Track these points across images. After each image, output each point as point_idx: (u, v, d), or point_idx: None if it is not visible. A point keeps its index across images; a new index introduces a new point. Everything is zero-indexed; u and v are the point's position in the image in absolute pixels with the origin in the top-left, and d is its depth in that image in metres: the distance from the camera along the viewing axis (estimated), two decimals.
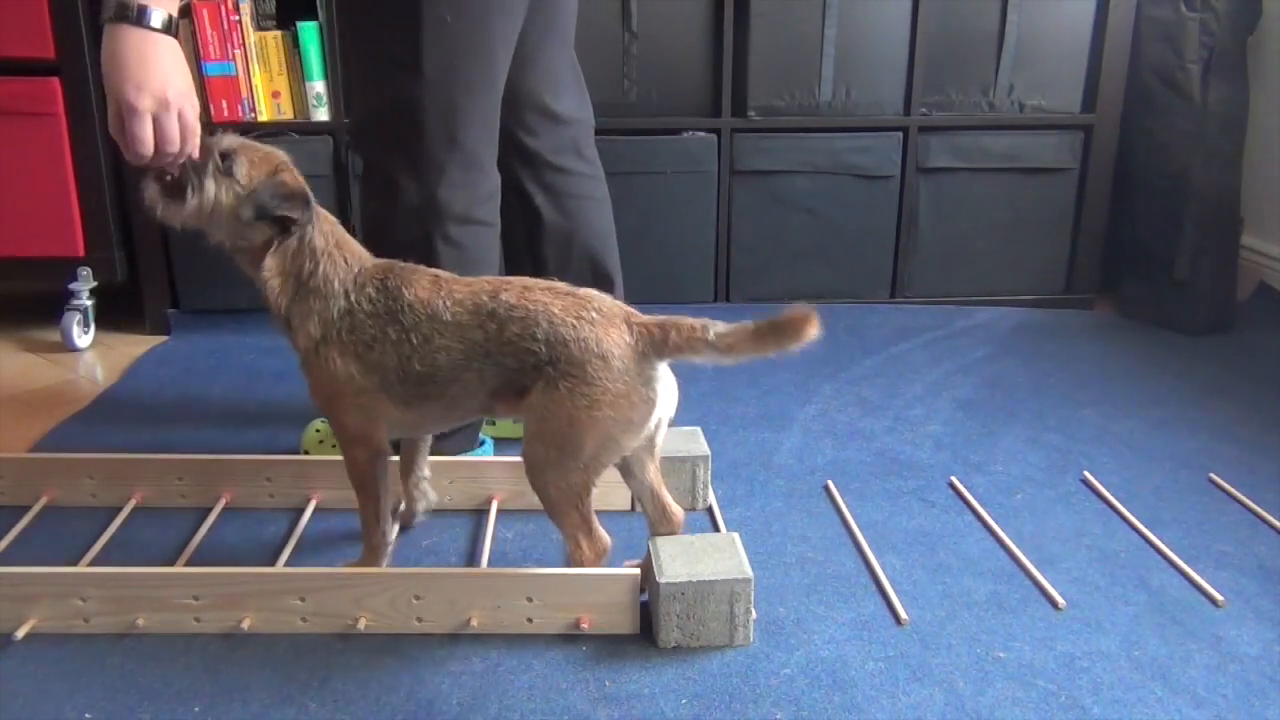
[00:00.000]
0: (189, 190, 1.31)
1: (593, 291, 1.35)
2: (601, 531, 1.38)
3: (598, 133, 2.47)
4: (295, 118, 2.46)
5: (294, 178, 1.36)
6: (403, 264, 1.39)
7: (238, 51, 2.39)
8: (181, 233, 1.41)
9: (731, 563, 1.36)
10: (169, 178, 1.32)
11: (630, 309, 1.35)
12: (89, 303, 2.46)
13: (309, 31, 2.39)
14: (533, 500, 1.67)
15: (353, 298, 1.35)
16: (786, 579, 1.50)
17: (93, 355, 2.43)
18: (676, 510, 1.44)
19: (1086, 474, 1.82)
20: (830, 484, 1.77)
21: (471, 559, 1.55)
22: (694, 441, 1.71)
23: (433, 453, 1.61)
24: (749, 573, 1.34)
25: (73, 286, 2.44)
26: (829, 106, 2.55)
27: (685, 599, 1.33)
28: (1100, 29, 2.56)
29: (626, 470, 1.42)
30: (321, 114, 2.45)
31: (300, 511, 1.64)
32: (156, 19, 1.25)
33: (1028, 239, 2.68)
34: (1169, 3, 2.50)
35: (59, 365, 2.36)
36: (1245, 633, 1.39)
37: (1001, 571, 1.53)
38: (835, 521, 1.67)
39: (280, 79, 2.43)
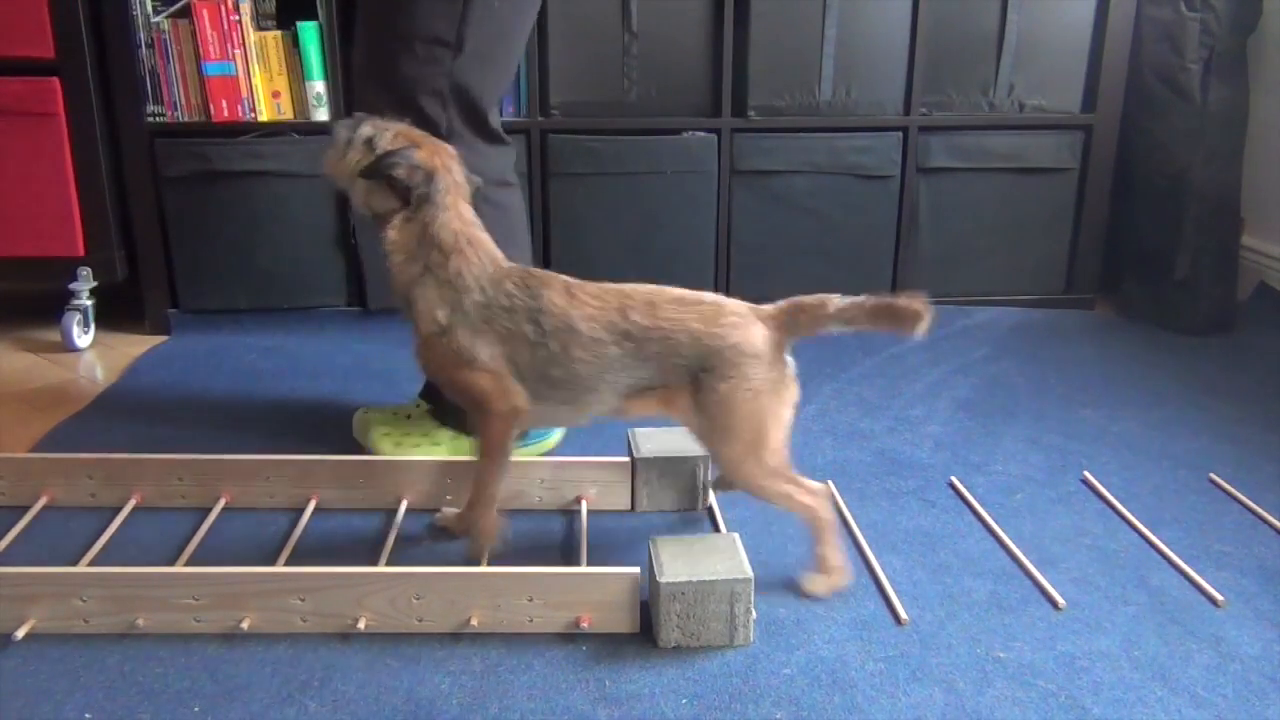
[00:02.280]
0: (334, 151, 1.43)
1: (708, 294, 1.42)
2: (811, 483, 1.45)
3: (597, 132, 2.48)
4: (295, 118, 2.46)
5: (429, 156, 1.41)
6: (534, 269, 1.45)
7: (238, 51, 2.39)
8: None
9: (731, 563, 1.36)
10: (335, 139, 1.43)
11: (749, 303, 1.43)
12: (89, 303, 2.46)
13: (309, 31, 2.39)
14: (533, 500, 1.68)
15: (489, 292, 1.41)
16: (786, 579, 1.50)
17: (93, 355, 2.43)
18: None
19: (1086, 474, 1.82)
20: (830, 484, 1.77)
21: (471, 559, 1.54)
22: (694, 442, 1.71)
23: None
24: (749, 573, 1.34)
25: (73, 286, 2.44)
26: (829, 106, 2.55)
27: (685, 599, 1.33)
28: (1100, 29, 2.57)
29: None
30: (321, 114, 2.45)
31: (300, 511, 1.64)
32: None
33: (1028, 239, 2.68)
34: (1169, 3, 2.50)
35: (59, 365, 2.36)
36: (1245, 633, 1.39)
37: (1001, 571, 1.53)
38: (835, 521, 1.67)
39: (280, 79, 2.43)
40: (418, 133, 1.44)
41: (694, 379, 1.39)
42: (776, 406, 1.40)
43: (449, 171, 1.43)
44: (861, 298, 1.39)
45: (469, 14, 1.55)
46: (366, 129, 1.42)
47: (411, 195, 1.39)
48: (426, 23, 1.56)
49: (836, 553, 1.46)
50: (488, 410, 1.43)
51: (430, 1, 1.55)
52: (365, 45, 1.60)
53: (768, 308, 1.42)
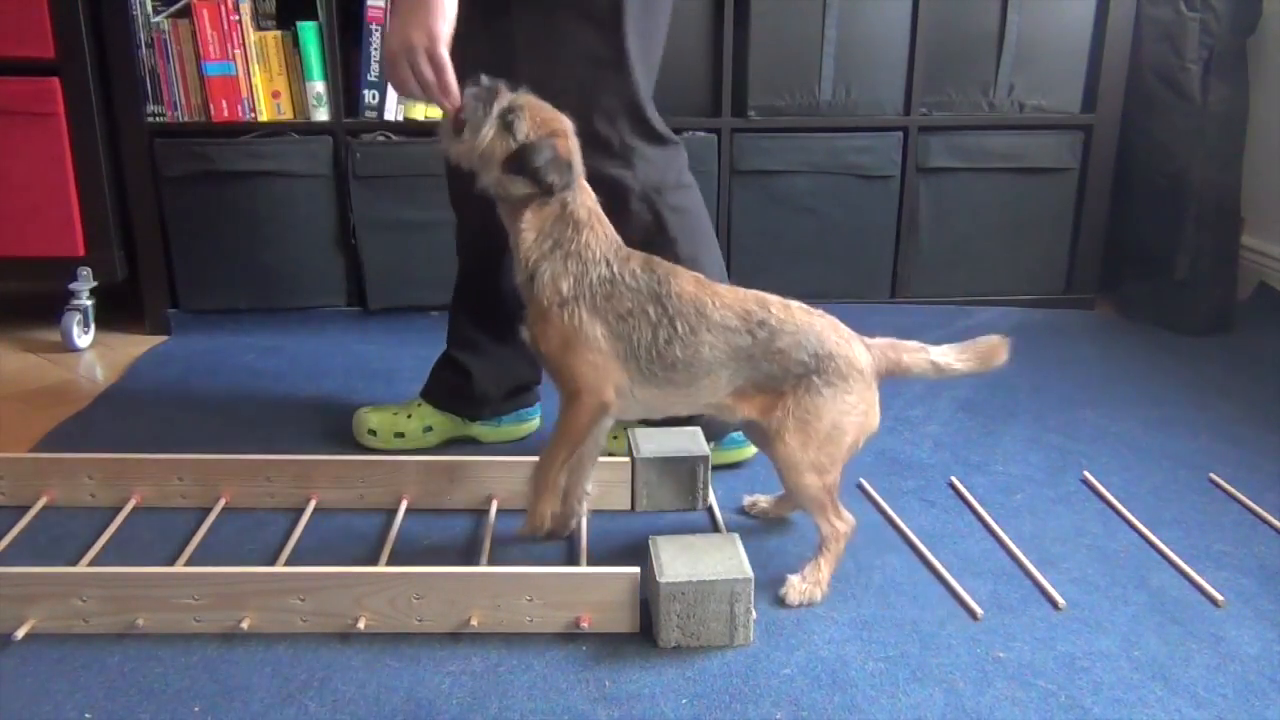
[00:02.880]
0: (467, 131, 1.40)
1: (824, 313, 1.47)
2: (846, 512, 1.48)
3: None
4: (295, 118, 2.46)
5: (567, 146, 1.42)
6: (657, 259, 1.46)
7: (238, 51, 2.39)
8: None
9: (731, 563, 1.36)
10: (461, 115, 1.41)
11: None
12: (89, 303, 2.46)
13: (309, 31, 2.39)
14: None
15: (615, 268, 1.42)
16: (786, 579, 1.50)
17: (93, 355, 2.43)
18: None
19: (1086, 474, 1.82)
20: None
21: (471, 559, 1.55)
22: (694, 442, 1.71)
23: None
24: (749, 573, 1.34)
25: (73, 286, 2.44)
26: (829, 106, 2.55)
27: (685, 599, 1.33)
28: (1100, 29, 2.56)
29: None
30: (321, 114, 2.45)
31: (300, 511, 1.64)
32: None
33: (1028, 239, 2.68)
34: (1169, 3, 2.50)
35: (59, 365, 2.36)
36: (1245, 633, 1.39)
37: (1001, 571, 1.53)
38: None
39: (280, 79, 2.43)
40: (546, 109, 1.43)
41: (802, 383, 1.42)
42: (861, 428, 1.45)
43: (578, 151, 1.44)
44: (953, 346, 1.49)
45: (626, 29, 1.55)
46: (500, 105, 1.40)
47: (554, 188, 1.40)
48: (589, 46, 1.56)
49: (829, 572, 1.47)
50: (580, 398, 1.44)
51: (590, 26, 1.56)
52: (531, 76, 1.58)
53: (869, 340, 1.48)
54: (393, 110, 2.44)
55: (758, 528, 1.64)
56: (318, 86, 2.43)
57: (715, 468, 1.77)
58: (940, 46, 2.54)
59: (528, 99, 1.41)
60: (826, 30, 2.49)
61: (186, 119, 2.43)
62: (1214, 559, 1.57)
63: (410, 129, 2.46)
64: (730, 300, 1.43)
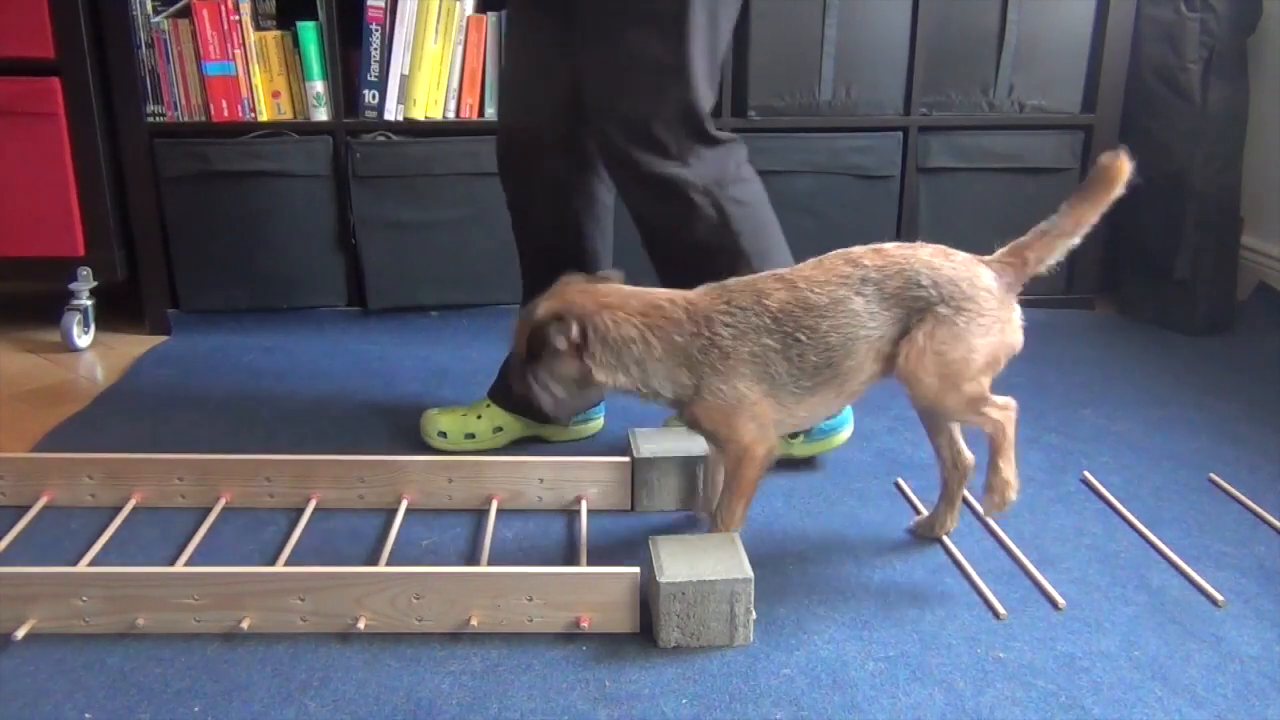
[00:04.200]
0: (545, 395, 1.44)
1: (924, 243, 1.45)
2: (1000, 400, 1.46)
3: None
4: (295, 118, 2.46)
5: (528, 325, 1.41)
6: (731, 281, 1.44)
7: (238, 51, 2.39)
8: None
9: (731, 563, 1.36)
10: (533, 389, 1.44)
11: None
12: (89, 303, 2.46)
13: (309, 31, 2.39)
14: (533, 500, 1.68)
15: (706, 333, 1.40)
16: (786, 579, 1.51)
17: (93, 355, 2.43)
18: (968, 455, 1.56)
19: (1086, 474, 1.82)
20: (831, 484, 1.77)
21: (471, 559, 1.55)
22: (694, 442, 1.71)
23: None
24: (749, 573, 1.34)
25: (73, 286, 2.44)
26: (829, 106, 2.55)
27: (685, 599, 1.33)
28: (1100, 29, 2.56)
29: (932, 419, 1.54)
30: (321, 114, 2.45)
31: (300, 511, 1.64)
32: None
33: None
34: (1169, 3, 2.50)
35: (59, 365, 2.36)
36: (1245, 633, 1.39)
37: (1001, 571, 1.53)
38: (836, 521, 1.67)
39: (280, 79, 2.43)
40: (556, 300, 1.43)
41: (931, 314, 1.39)
42: (1001, 346, 1.41)
43: (586, 293, 1.43)
44: (1071, 199, 1.48)
45: (689, 39, 1.55)
46: (518, 360, 1.42)
47: (582, 353, 1.40)
48: (652, 53, 1.56)
49: (1011, 467, 1.46)
50: (749, 452, 1.44)
51: (652, 32, 1.55)
52: (594, 83, 1.59)
53: (990, 257, 1.45)
54: (393, 110, 2.44)
55: (758, 528, 1.64)
56: (318, 86, 2.43)
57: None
58: (940, 46, 2.54)
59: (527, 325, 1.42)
60: (826, 30, 2.49)
61: (186, 119, 2.43)
62: (1214, 559, 1.57)
63: (410, 129, 2.46)
64: (821, 277, 1.41)
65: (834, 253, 1.44)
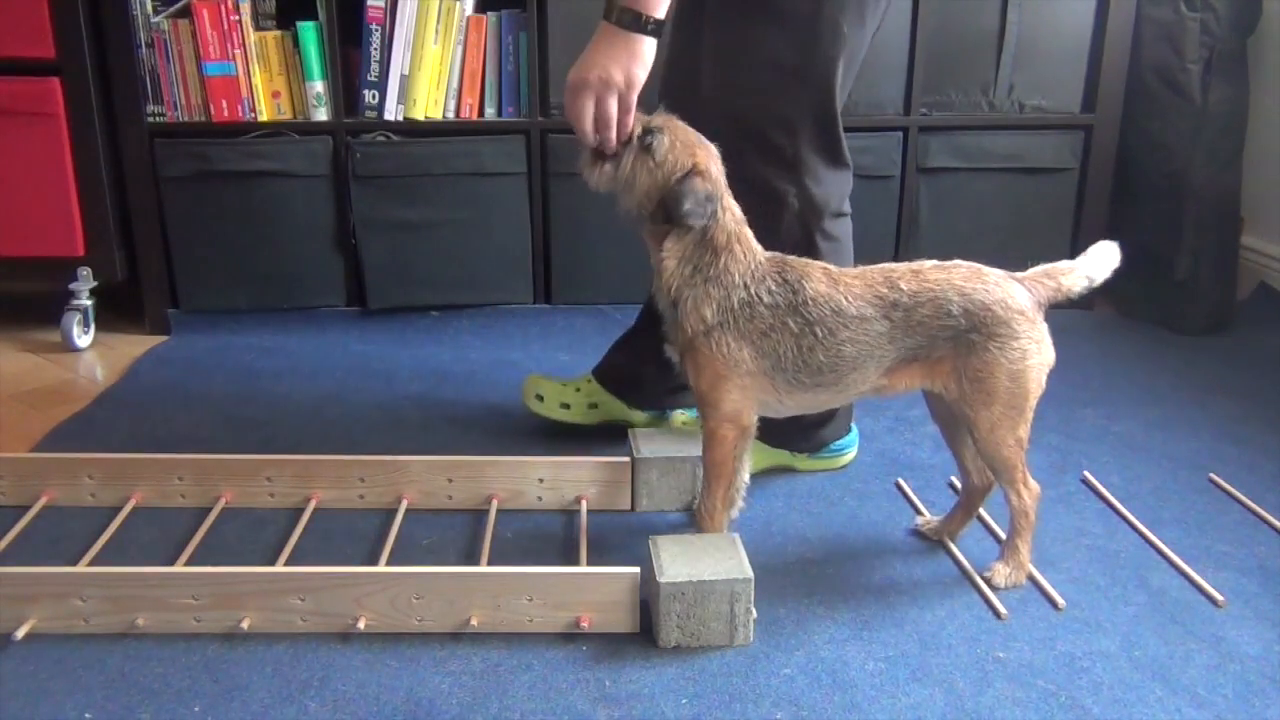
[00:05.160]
0: (607, 159, 1.41)
1: (962, 261, 1.45)
2: (1031, 479, 1.48)
3: None
4: (295, 117, 2.46)
5: (704, 181, 1.40)
6: (792, 257, 1.45)
7: (238, 51, 2.39)
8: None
9: (731, 563, 1.36)
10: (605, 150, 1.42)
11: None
12: (89, 303, 2.46)
13: (309, 31, 2.39)
14: (532, 500, 1.68)
15: (752, 289, 1.41)
16: (786, 579, 1.51)
17: (93, 355, 2.43)
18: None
19: (1086, 474, 1.82)
20: (831, 484, 1.77)
21: (471, 559, 1.55)
22: (694, 442, 1.71)
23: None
24: (749, 573, 1.34)
25: (73, 286, 2.44)
26: None
27: (685, 599, 1.33)
28: (1100, 29, 2.56)
29: (954, 429, 1.55)
30: (321, 114, 2.45)
31: (300, 511, 1.64)
32: (651, 25, 1.38)
33: (1028, 239, 2.67)
34: (1169, 3, 2.50)
35: (59, 365, 2.36)
36: (1245, 633, 1.39)
37: None
38: (835, 521, 1.67)
39: (280, 79, 2.43)
40: (689, 132, 1.42)
41: (961, 342, 1.40)
42: (1041, 368, 1.43)
43: (720, 178, 1.42)
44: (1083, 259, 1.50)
45: (819, 42, 1.53)
46: (638, 129, 1.40)
47: (695, 228, 1.40)
48: (778, 51, 1.54)
49: (1028, 549, 1.49)
50: (719, 431, 1.46)
51: (780, 32, 1.53)
52: (711, 75, 1.57)
53: (1022, 275, 1.46)
54: (393, 110, 2.44)
55: (758, 528, 1.64)
56: (318, 86, 2.43)
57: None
58: (940, 46, 2.54)
59: (668, 119, 1.41)
60: None
61: (186, 119, 2.43)
62: (1214, 559, 1.57)
63: (410, 129, 2.46)
64: (860, 289, 1.41)
65: (879, 267, 1.45)
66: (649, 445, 1.70)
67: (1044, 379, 1.44)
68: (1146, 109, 2.58)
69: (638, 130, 1.39)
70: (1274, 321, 2.55)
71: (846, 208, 1.70)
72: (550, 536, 1.62)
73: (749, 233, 1.44)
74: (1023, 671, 1.31)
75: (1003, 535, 1.62)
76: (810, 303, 1.40)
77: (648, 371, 1.87)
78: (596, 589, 1.37)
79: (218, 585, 1.36)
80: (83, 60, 2.32)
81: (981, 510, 1.70)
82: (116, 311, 2.57)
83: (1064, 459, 1.89)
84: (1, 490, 1.67)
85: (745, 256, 1.42)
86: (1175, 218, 2.54)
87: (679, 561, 1.36)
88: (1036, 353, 1.42)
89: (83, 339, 2.45)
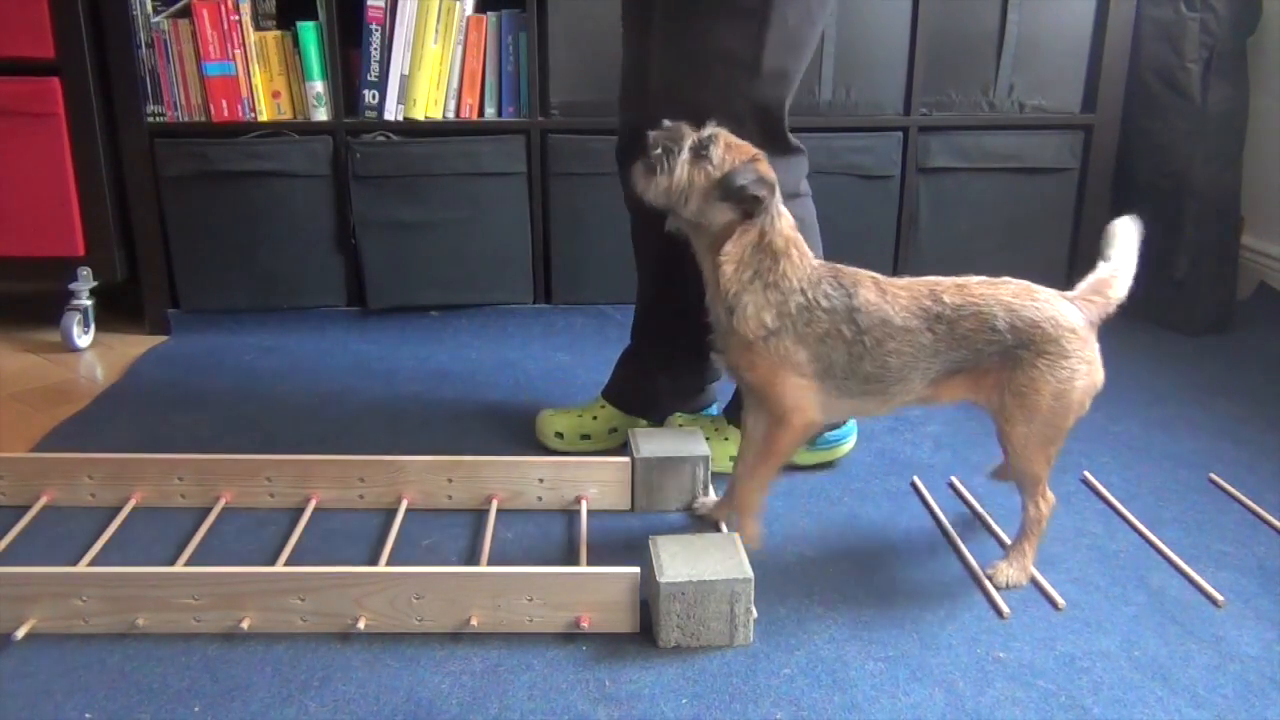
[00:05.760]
0: (659, 170, 1.40)
1: (1011, 279, 1.47)
2: (1049, 491, 1.49)
3: (599, 132, 2.48)
4: (295, 117, 2.46)
5: (767, 167, 1.42)
6: (842, 265, 1.47)
7: (238, 51, 2.39)
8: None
9: (731, 563, 1.36)
10: (651, 156, 1.41)
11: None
12: (89, 303, 2.46)
13: (309, 31, 2.39)
14: (532, 500, 1.68)
15: (809, 294, 1.42)
16: (786, 579, 1.50)
17: (93, 355, 2.43)
18: None
19: (1086, 474, 1.82)
20: (831, 484, 1.77)
21: (471, 559, 1.55)
22: (694, 442, 1.71)
23: None
24: (749, 573, 1.34)
25: (73, 286, 2.44)
26: (829, 106, 2.55)
27: (685, 599, 1.33)
28: (1100, 29, 2.56)
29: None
30: (321, 114, 2.45)
31: (300, 511, 1.64)
32: None
33: (1028, 239, 2.68)
34: (1169, 3, 2.50)
35: (59, 365, 2.36)
36: (1245, 633, 1.39)
37: None
38: (835, 521, 1.67)
39: (280, 79, 2.43)
40: (736, 139, 1.43)
41: (1009, 357, 1.41)
42: (1086, 390, 1.42)
43: (775, 179, 1.44)
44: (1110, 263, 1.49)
45: (766, 34, 1.53)
46: (690, 141, 1.40)
47: (757, 210, 1.41)
48: (725, 45, 1.54)
49: (1033, 553, 1.50)
50: (789, 423, 1.46)
51: (728, 24, 1.54)
52: (661, 67, 1.58)
53: (1072, 293, 1.46)
54: (392, 110, 2.44)
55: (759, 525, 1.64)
56: (318, 86, 2.43)
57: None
58: (940, 46, 2.54)
59: (718, 130, 1.42)
60: (826, 30, 2.49)
61: (186, 119, 2.43)
62: (1214, 559, 1.57)
63: (410, 129, 2.46)
64: (906, 300, 1.43)
65: (925, 280, 1.47)
66: (649, 445, 1.70)
67: (1088, 402, 1.43)
68: (1146, 109, 2.58)
69: (690, 142, 1.40)
70: (1274, 321, 2.55)
71: (804, 188, 1.71)
72: (550, 536, 1.62)
73: (802, 239, 1.45)
74: (1023, 671, 1.31)
75: (1006, 538, 1.62)
76: (861, 310, 1.42)
77: (661, 384, 1.87)
78: (596, 589, 1.37)
79: (218, 585, 1.36)
80: (83, 60, 2.32)
81: (986, 514, 1.70)
82: (116, 311, 2.57)
83: (1064, 459, 1.87)
84: (1, 490, 1.67)
85: (801, 261, 1.43)
86: (1175, 218, 2.54)
87: (679, 561, 1.36)
88: (1085, 374, 1.41)
89: (83, 339, 2.45)
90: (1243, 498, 1.74)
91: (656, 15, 1.60)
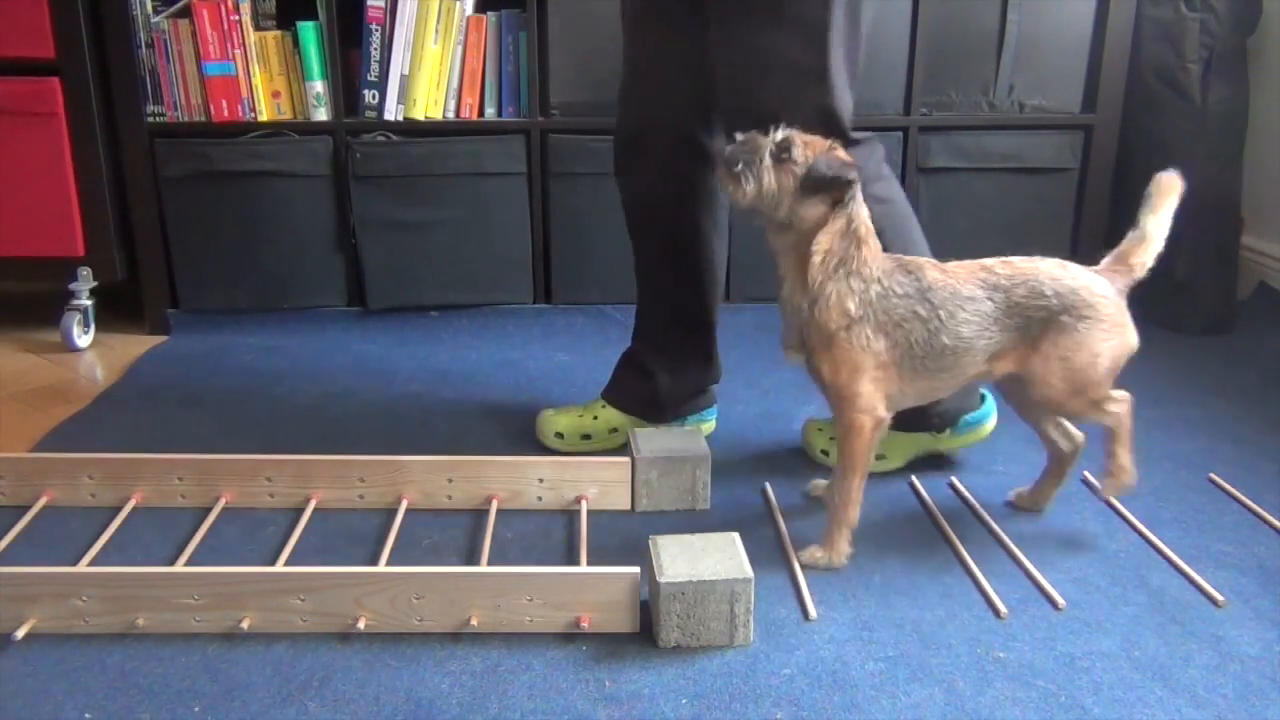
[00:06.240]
0: (744, 180, 1.43)
1: (1039, 257, 1.55)
2: (1118, 394, 1.57)
3: (597, 132, 2.48)
4: (295, 118, 2.46)
5: (844, 153, 1.46)
6: (901, 255, 1.53)
7: (238, 51, 2.39)
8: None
9: (731, 563, 1.36)
10: (733, 170, 1.44)
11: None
12: (89, 303, 2.46)
13: (309, 31, 2.39)
14: (532, 500, 1.68)
15: (886, 283, 1.47)
16: (786, 579, 1.50)
17: (93, 355, 2.43)
18: (1078, 434, 1.66)
19: (1086, 474, 1.82)
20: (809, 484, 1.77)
21: (471, 559, 1.55)
22: (694, 441, 1.71)
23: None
24: (749, 573, 1.34)
25: (73, 286, 2.44)
26: None
27: (685, 599, 1.33)
28: (1100, 29, 2.56)
29: (1032, 408, 1.63)
30: (321, 114, 2.45)
31: (300, 511, 1.64)
32: None
33: (1028, 239, 2.66)
34: (1169, 3, 2.50)
35: (59, 365, 2.36)
36: (1245, 633, 1.39)
37: (1002, 571, 1.53)
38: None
39: (280, 79, 2.43)
40: (810, 136, 1.45)
41: (1053, 324, 1.49)
42: (1121, 348, 1.52)
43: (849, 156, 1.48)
44: (1144, 220, 1.63)
45: (830, 39, 1.55)
46: (769, 147, 1.42)
47: (847, 195, 1.44)
48: (789, 53, 1.56)
49: (1129, 454, 1.57)
50: (859, 428, 1.49)
51: (793, 36, 1.55)
52: (725, 78, 1.59)
53: (1098, 266, 1.56)
54: (392, 110, 2.44)
55: (758, 527, 1.64)
56: (318, 86, 2.43)
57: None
58: (940, 46, 2.54)
59: (791, 131, 1.43)
60: None
61: (186, 119, 2.43)
62: (1214, 559, 1.56)
63: (410, 129, 2.46)
64: (965, 275, 1.50)
65: (967, 261, 1.53)
66: (649, 445, 1.70)
67: (1123, 360, 1.53)
68: (1146, 109, 2.58)
69: (770, 148, 1.42)
70: (1274, 321, 2.55)
71: (885, 170, 1.73)
72: (550, 536, 1.62)
73: (875, 233, 1.50)
74: (1023, 671, 1.31)
75: (1006, 538, 1.62)
76: (932, 288, 1.48)
77: (661, 385, 1.87)
78: (596, 589, 1.37)
79: (218, 585, 1.36)
80: (83, 60, 2.32)
81: (986, 514, 1.70)
82: (116, 311, 2.57)
83: None
84: (1, 490, 1.67)
85: (877, 250, 1.48)
86: (1175, 218, 2.53)
87: (679, 561, 1.36)
88: (1120, 335, 1.52)
89: (83, 339, 2.45)
90: (1243, 498, 1.74)
91: (712, 25, 1.60)
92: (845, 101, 1.62)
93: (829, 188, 1.42)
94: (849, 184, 1.43)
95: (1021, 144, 2.61)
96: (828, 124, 1.58)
